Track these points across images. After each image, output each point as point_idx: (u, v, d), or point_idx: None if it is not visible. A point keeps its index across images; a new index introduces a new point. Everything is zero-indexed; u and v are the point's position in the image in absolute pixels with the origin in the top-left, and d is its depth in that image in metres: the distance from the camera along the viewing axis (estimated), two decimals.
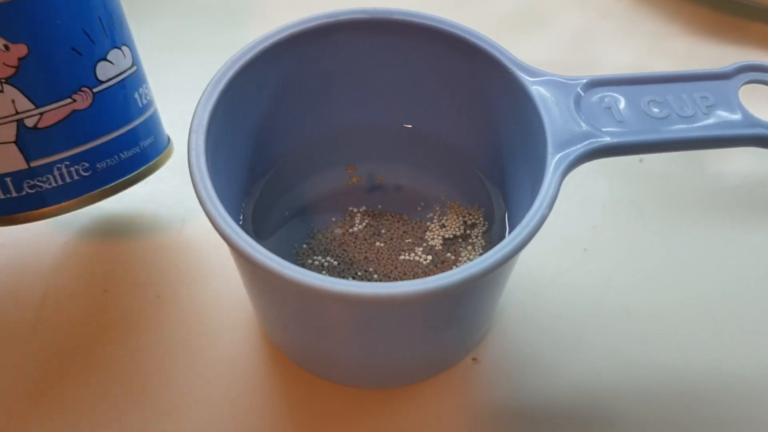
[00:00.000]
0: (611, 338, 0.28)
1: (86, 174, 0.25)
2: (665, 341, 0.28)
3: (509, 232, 0.25)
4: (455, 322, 0.23)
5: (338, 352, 0.25)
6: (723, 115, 0.23)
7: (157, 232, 0.30)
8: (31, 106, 0.23)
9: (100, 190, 0.25)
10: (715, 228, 0.31)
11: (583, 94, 0.23)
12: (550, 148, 0.21)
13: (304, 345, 0.25)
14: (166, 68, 0.36)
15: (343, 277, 0.25)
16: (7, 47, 0.22)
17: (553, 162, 0.21)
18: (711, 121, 0.23)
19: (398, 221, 0.26)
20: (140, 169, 0.26)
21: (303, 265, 0.25)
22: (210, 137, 0.21)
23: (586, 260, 0.30)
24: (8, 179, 0.24)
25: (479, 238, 0.26)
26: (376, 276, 0.25)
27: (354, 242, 0.26)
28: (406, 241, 0.26)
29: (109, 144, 0.25)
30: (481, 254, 0.25)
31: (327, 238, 0.26)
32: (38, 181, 0.24)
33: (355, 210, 0.27)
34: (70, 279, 0.29)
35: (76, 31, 0.23)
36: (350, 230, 0.26)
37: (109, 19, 0.24)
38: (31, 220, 0.25)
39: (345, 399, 0.26)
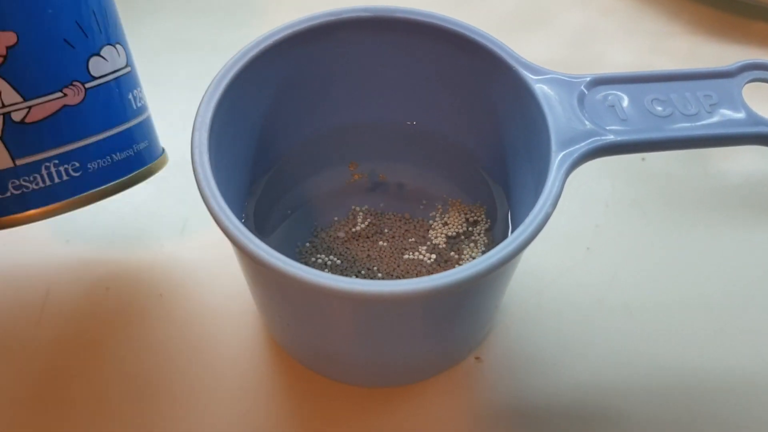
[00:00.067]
0: (614, 337, 0.28)
1: (76, 174, 0.23)
2: (668, 340, 0.28)
3: (512, 231, 0.25)
4: (458, 321, 0.23)
5: (341, 351, 0.25)
6: (726, 113, 0.23)
7: (160, 231, 0.30)
8: (18, 98, 0.21)
9: (90, 192, 0.23)
10: (718, 227, 0.31)
11: (586, 92, 0.23)
12: (553, 146, 0.21)
13: (307, 343, 0.25)
14: (166, 68, 0.36)
15: (347, 276, 0.25)
16: None
17: (557, 160, 0.21)
18: (714, 119, 0.23)
19: (400, 220, 0.26)
20: (133, 173, 0.24)
21: (306, 264, 0.25)
22: (213, 135, 0.21)
23: (588, 259, 0.30)
24: None
25: (482, 235, 0.26)
26: (380, 275, 0.25)
27: (357, 241, 0.26)
28: (410, 240, 0.26)
29: (102, 143, 0.23)
30: (483, 251, 0.25)
31: (330, 236, 0.26)
32: (24, 181, 0.22)
33: (358, 208, 0.27)
34: (72, 277, 0.29)
35: (68, 23, 0.22)
36: (353, 229, 0.26)
37: (103, 15, 0.24)
38: (15, 225, 0.23)
39: (348, 398, 0.26)
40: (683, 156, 0.33)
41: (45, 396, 0.26)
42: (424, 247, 0.25)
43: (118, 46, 0.24)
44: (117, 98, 0.24)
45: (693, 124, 0.23)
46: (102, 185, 0.24)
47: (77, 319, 0.28)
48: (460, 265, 0.25)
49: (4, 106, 0.21)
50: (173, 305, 0.28)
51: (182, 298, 0.28)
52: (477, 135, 0.27)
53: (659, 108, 0.23)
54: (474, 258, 0.25)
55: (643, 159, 0.33)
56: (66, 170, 0.23)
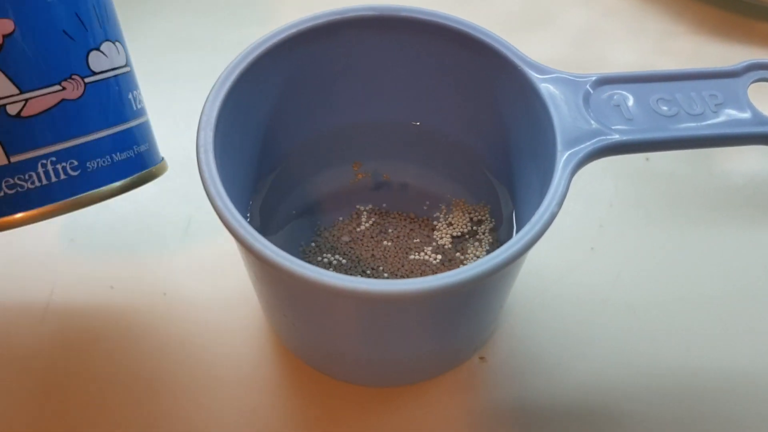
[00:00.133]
0: (618, 337, 0.28)
1: (75, 174, 0.22)
2: (672, 340, 0.28)
3: (517, 230, 0.25)
4: (463, 321, 0.23)
5: (346, 350, 0.24)
6: (732, 113, 0.23)
7: (164, 230, 0.30)
8: (14, 90, 0.20)
9: (89, 193, 0.22)
10: (722, 227, 0.31)
11: (592, 92, 0.23)
12: (559, 146, 0.21)
13: (312, 343, 0.25)
14: (169, 67, 0.36)
15: (353, 276, 0.25)
16: None
17: (563, 159, 0.21)
18: (720, 119, 0.23)
19: (405, 219, 0.26)
20: (134, 175, 0.24)
21: (310, 263, 0.25)
22: (218, 134, 0.21)
23: (593, 259, 0.30)
24: None
25: (486, 234, 0.26)
26: (386, 275, 0.25)
27: (361, 240, 0.26)
28: (414, 240, 0.26)
29: (102, 142, 0.22)
30: (487, 251, 0.25)
31: (334, 236, 0.26)
32: (19, 179, 0.21)
33: (362, 208, 0.27)
34: (77, 276, 0.29)
35: (68, 14, 0.21)
36: (357, 229, 0.26)
37: (102, 11, 0.23)
38: (10, 227, 0.21)
39: (352, 397, 0.26)
40: (687, 156, 0.33)
41: (49, 394, 0.26)
42: (430, 248, 0.25)
43: (117, 44, 0.24)
44: (117, 96, 0.23)
45: (698, 124, 0.23)
46: (102, 186, 0.22)
47: (81, 318, 0.28)
48: (464, 264, 0.25)
49: None
50: (177, 304, 0.28)
51: (186, 297, 0.28)
52: (481, 134, 0.27)
53: (664, 108, 0.23)
54: (478, 257, 0.25)
55: (647, 159, 0.33)
56: (64, 169, 0.22)
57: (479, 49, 0.24)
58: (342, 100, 0.27)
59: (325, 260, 0.25)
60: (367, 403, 0.26)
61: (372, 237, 0.26)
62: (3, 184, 0.21)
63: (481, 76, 0.25)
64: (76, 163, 0.22)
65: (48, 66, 0.21)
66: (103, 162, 0.22)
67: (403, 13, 0.24)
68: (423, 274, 0.25)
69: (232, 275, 0.29)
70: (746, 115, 0.23)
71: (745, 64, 0.24)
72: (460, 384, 0.26)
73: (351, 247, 0.26)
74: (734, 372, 0.27)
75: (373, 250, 0.26)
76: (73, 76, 0.21)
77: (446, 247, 0.26)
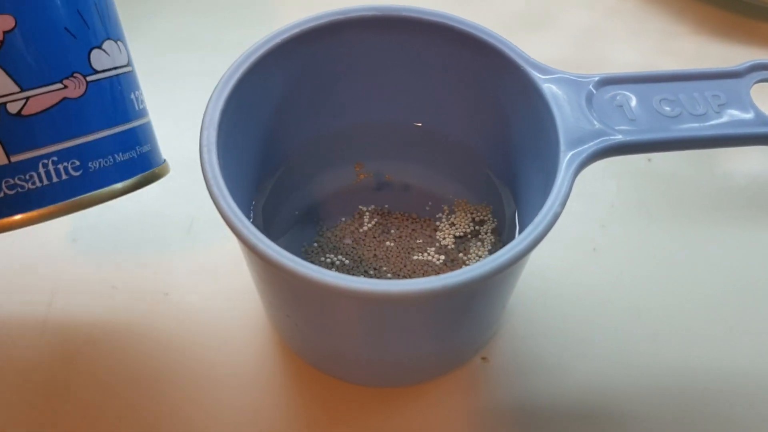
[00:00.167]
0: (620, 338, 0.28)
1: (76, 174, 0.21)
2: (674, 341, 0.28)
3: (520, 231, 0.25)
4: (466, 321, 0.23)
5: (349, 351, 0.24)
6: (735, 113, 0.23)
7: (166, 231, 0.30)
8: (15, 88, 0.20)
9: (91, 194, 0.22)
10: (724, 227, 0.31)
11: (595, 92, 0.23)
12: (562, 146, 0.21)
13: (314, 343, 0.25)
14: (170, 67, 0.36)
15: (356, 276, 0.25)
16: None
17: (566, 160, 0.21)
18: (723, 119, 0.23)
19: (407, 220, 0.26)
20: (136, 176, 0.23)
21: (314, 264, 0.25)
22: (221, 134, 0.21)
23: (595, 260, 0.30)
24: None
25: (488, 234, 0.26)
26: (390, 275, 0.25)
27: (364, 241, 0.26)
28: (417, 241, 0.26)
29: (104, 141, 0.22)
30: (490, 250, 0.25)
31: (336, 236, 0.26)
32: (19, 180, 0.20)
33: (364, 209, 0.27)
34: (79, 276, 0.29)
35: (70, 10, 0.21)
36: (360, 229, 0.26)
37: (104, 9, 0.23)
38: (10, 229, 0.21)
39: (354, 398, 0.26)
40: (689, 156, 0.33)
41: (51, 394, 0.26)
42: (433, 248, 0.25)
43: (119, 42, 0.23)
44: (119, 95, 0.23)
45: (701, 125, 0.23)
46: (103, 187, 0.22)
47: (83, 318, 0.28)
48: (467, 264, 0.25)
49: None
50: (179, 304, 0.28)
51: (188, 297, 0.28)
52: (483, 135, 0.27)
53: (667, 108, 0.23)
54: (480, 257, 0.25)
55: (649, 159, 0.33)
56: (65, 169, 0.21)
57: (482, 49, 0.24)
58: (344, 100, 0.27)
59: (328, 260, 0.25)
60: (370, 403, 0.26)
61: (374, 237, 0.26)
62: (3, 185, 0.20)
63: (484, 76, 0.25)
64: (77, 163, 0.21)
65: (49, 64, 0.20)
66: (105, 162, 0.22)
67: (405, 13, 0.24)
68: (426, 274, 0.25)
69: (234, 276, 0.29)
70: (749, 115, 0.23)
71: (747, 64, 0.24)
72: (462, 384, 0.26)
73: (353, 248, 0.26)
74: (736, 372, 0.27)
75: (375, 250, 0.26)
76: (75, 75, 0.21)
77: (449, 247, 0.26)
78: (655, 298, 0.29)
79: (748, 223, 0.31)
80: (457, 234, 0.26)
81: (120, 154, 0.23)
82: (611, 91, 0.23)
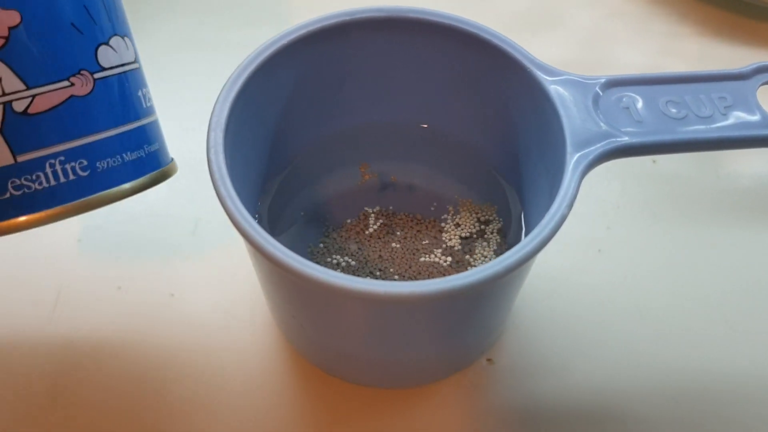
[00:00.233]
0: (625, 339, 0.28)
1: (84, 174, 0.21)
2: (679, 342, 0.28)
3: (526, 232, 0.25)
4: (472, 323, 0.23)
5: (355, 352, 0.24)
6: (741, 115, 0.23)
7: (171, 231, 0.30)
8: (21, 86, 0.19)
9: (99, 194, 0.21)
10: (729, 229, 0.31)
11: (601, 94, 0.23)
12: (569, 148, 0.21)
13: (320, 344, 0.25)
14: (175, 67, 0.36)
15: (362, 277, 0.25)
16: None
17: (572, 162, 0.21)
18: (729, 121, 0.23)
19: (412, 221, 0.26)
20: (145, 176, 0.23)
21: (320, 265, 0.25)
22: (228, 135, 0.21)
23: (600, 261, 0.30)
24: None
25: (494, 234, 0.26)
26: (396, 277, 0.25)
27: (369, 242, 0.26)
28: (423, 242, 0.26)
29: (112, 140, 0.21)
30: (495, 250, 0.25)
31: (342, 237, 0.26)
32: (26, 180, 0.20)
33: (369, 210, 0.27)
34: (84, 276, 0.29)
35: (76, 6, 0.20)
36: (366, 230, 0.26)
37: (111, 4, 0.22)
38: (16, 230, 0.20)
39: (360, 399, 0.26)
40: (694, 158, 0.33)
41: (56, 395, 0.26)
42: (440, 250, 0.25)
43: (126, 39, 0.23)
44: (127, 93, 0.22)
45: (707, 127, 0.23)
46: (112, 187, 0.21)
47: (88, 318, 0.28)
48: (472, 265, 0.25)
49: (4, 93, 0.19)
50: (185, 305, 0.28)
51: (193, 298, 0.28)
52: (489, 136, 0.27)
53: (673, 110, 0.23)
54: (486, 257, 0.25)
55: (654, 161, 0.33)
56: (73, 168, 0.20)
57: (488, 50, 0.24)
58: (350, 101, 0.27)
59: (334, 261, 0.25)
60: (375, 404, 0.26)
61: (380, 238, 0.26)
62: (9, 185, 0.20)
63: (490, 77, 0.25)
64: (85, 162, 0.21)
65: (56, 61, 0.20)
66: (114, 162, 0.21)
67: (412, 15, 0.24)
68: (432, 275, 0.25)
69: (239, 276, 0.29)
70: (755, 117, 0.23)
71: (753, 66, 0.24)
72: (467, 386, 0.26)
73: (359, 249, 0.26)
74: (741, 373, 0.27)
75: (381, 251, 0.26)
76: (82, 72, 0.21)
77: (455, 248, 0.26)
78: (660, 299, 0.29)
79: (752, 224, 0.31)
80: (463, 234, 0.26)
81: (128, 153, 0.22)
82: (617, 93, 0.23)
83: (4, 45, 0.19)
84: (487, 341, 0.26)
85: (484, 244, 0.26)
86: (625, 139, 0.22)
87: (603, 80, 0.23)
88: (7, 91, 0.19)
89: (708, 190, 0.32)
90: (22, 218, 0.20)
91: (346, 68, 0.25)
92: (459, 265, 0.25)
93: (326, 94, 0.26)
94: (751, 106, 0.24)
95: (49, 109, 0.20)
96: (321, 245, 0.26)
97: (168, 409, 0.26)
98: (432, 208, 0.27)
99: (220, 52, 0.37)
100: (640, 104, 0.23)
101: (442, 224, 0.26)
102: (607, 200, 0.32)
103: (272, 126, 0.25)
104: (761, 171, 0.33)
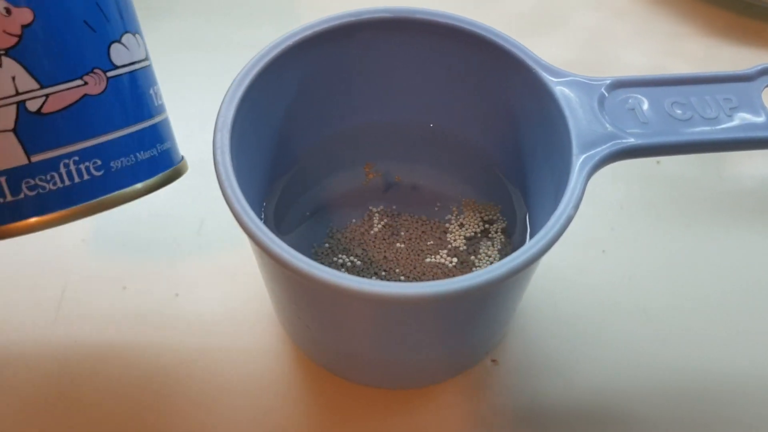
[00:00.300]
0: (630, 339, 0.28)
1: (98, 174, 0.20)
2: (683, 343, 0.28)
3: (531, 233, 0.25)
4: (477, 324, 0.23)
5: (360, 352, 0.25)
6: (746, 117, 0.23)
7: (176, 231, 0.30)
8: (35, 85, 0.19)
9: (113, 195, 0.21)
10: (733, 230, 0.31)
11: (607, 95, 0.23)
12: (575, 149, 0.21)
13: (325, 345, 0.25)
14: (179, 67, 0.36)
15: (368, 278, 0.25)
16: (8, 11, 0.18)
17: (578, 163, 0.21)
18: (734, 123, 0.23)
19: (416, 221, 0.26)
20: (159, 175, 0.22)
21: (325, 265, 0.25)
22: (234, 135, 0.21)
23: (604, 261, 0.30)
24: (2, 178, 0.19)
25: (498, 233, 0.26)
26: (402, 278, 0.25)
27: (373, 242, 0.26)
28: (428, 243, 0.26)
29: (126, 139, 0.21)
30: (499, 250, 0.25)
31: (346, 237, 0.26)
32: (40, 180, 0.20)
33: (374, 210, 0.27)
34: (89, 276, 0.29)
35: (88, 3, 0.20)
36: (370, 231, 0.26)
37: (122, 1, 0.22)
38: (30, 231, 0.20)
39: (364, 399, 0.26)
40: (697, 159, 0.33)
41: (60, 394, 0.26)
42: (445, 251, 0.25)
43: (137, 36, 0.22)
44: (139, 91, 0.22)
45: (713, 128, 0.23)
46: (126, 187, 0.21)
47: (93, 318, 0.28)
48: (476, 265, 0.25)
49: (18, 93, 0.19)
50: (189, 305, 0.28)
51: (198, 298, 0.28)
52: (493, 136, 0.27)
53: (679, 111, 0.23)
54: (490, 256, 0.25)
55: (657, 162, 0.33)
56: (87, 168, 0.20)
57: (493, 51, 0.24)
58: (355, 101, 0.27)
59: (339, 261, 0.25)
60: (379, 404, 0.26)
61: (384, 239, 0.26)
62: (23, 186, 0.19)
63: (495, 78, 0.25)
64: (99, 162, 0.20)
65: (69, 59, 0.20)
66: (127, 161, 0.21)
67: (418, 15, 0.24)
68: (437, 276, 0.25)
69: (244, 276, 0.29)
70: (761, 119, 0.23)
71: (759, 68, 0.24)
72: (471, 386, 0.26)
73: (363, 249, 0.26)
74: (745, 374, 0.27)
75: (385, 252, 0.26)
76: (95, 70, 0.20)
77: (460, 249, 0.26)
78: (664, 299, 0.29)
79: (756, 225, 0.31)
80: (467, 234, 0.26)
81: (142, 152, 0.22)
82: (623, 94, 0.23)
83: (17, 44, 0.19)
84: (491, 342, 0.26)
85: (488, 243, 0.26)
86: (631, 141, 0.22)
87: (608, 81, 0.23)
88: (20, 90, 0.19)
89: (711, 191, 0.32)
90: (36, 219, 0.20)
91: (352, 68, 0.25)
92: (463, 266, 0.25)
93: (331, 94, 0.26)
94: (757, 107, 0.24)
95: (63, 109, 0.20)
96: (326, 245, 0.26)
97: (172, 408, 0.26)
98: (436, 208, 0.27)
99: (222, 52, 0.37)
100: (645, 105, 0.23)
101: (447, 225, 0.26)
102: (611, 201, 0.32)
103: (277, 126, 0.25)
104: (765, 172, 0.33)
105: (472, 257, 0.25)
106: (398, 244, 0.26)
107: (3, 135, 0.19)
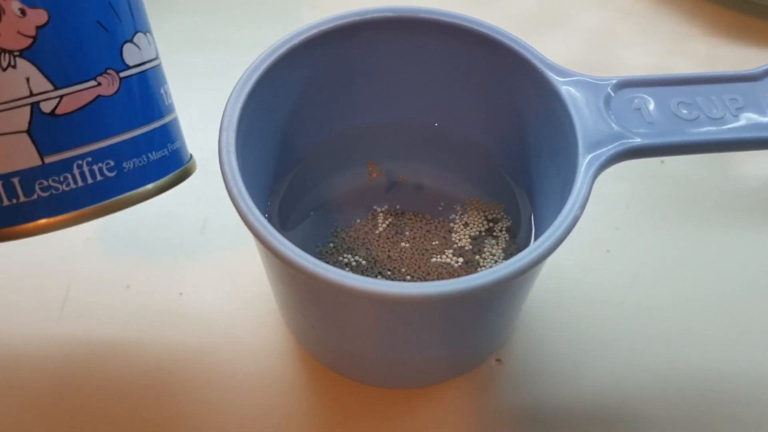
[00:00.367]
0: (634, 339, 0.28)
1: (111, 174, 0.20)
2: (688, 342, 0.28)
3: (536, 233, 0.25)
4: (482, 324, 0.23)
5: (365, 352, 0.24)
6: (752, 117, 0.23)
7: (180, 230, 0.30)
8: (49, 86, 0.19)
9: (125, 195, 0.21)
10: (737, 230, 0.31)
11: (613, 95, 0.23)
12: (581, 149, 0.21)
13: (330, 344, 0.25)
14: (182, 66, 0.36)
15: (373, 277, 0.25)
16: (23, 12, 0.18)
17: (585, 162, 0.21)
18: (740, 123, 0.23)
19: (421, 221, 0.26)
20: (170, 174, 0.22)
21: (330, 264, 0.25)
22: (239, 135, 0.21)
23: (609, 261, 0.30)
24: (16, 179, 0.19)
25: (503, 232, 0.26)
26: (408, 277, 0.25)
27: (378, 242, 0.26)
28: (433, 242, 0.26)
29: (138, 140, 0.21)
30: (504, 249, 0.25)
31: (351, 237, 0.26)
32: (54, 181, 0.20)
33: (378, 209, 0.27)
34: (93, 275, 0.29)
35: (101, 3, 0.20)
36: (375, 230, 0.26)
37: (134, 0, 0.22)
38: (43, 232, 0.20)
39: (368, 399, 0.26)
40: (702, 159, 0.33)
41: (63, 394, 0.26)
42: (451, 251, 0.25)
43: (148, 35, 0.22)
44: (150, 91, 0.22)
45: (719, 128, 0.23)
46: (138, 187, 0.21)
47: (97, 317, 0.28)
48: (481, 264, 0.25)
49: (32, 94, 0.19)
50: (193, 304, 0.28)
51: (202, 297, 0.28)
52: (498, 136, 0.27)
53: (685, 111, 0.23)
54: (495, 255, 0.25)
55: (662, 162, 0.33)
56: (100, 169, 0.20)
57: (499, 50, 0.24)
58: (360, 100, 0.27)
59: (344, 261, 0.25)
60: (384, 404, 0.26)
61: (389, 239, 0.26)
62: (37, 187, 0.19)
63: (500, 77, 0.25)
64: (112, 163, 0.20)
65: (83, 60, 0.20)
66: (140, 162, 0.21)
67: (422, 15, 0.24)
68: (443, 276, 0.25)
69: (248, 276, 0.29)
70: (767, 119, 0.23)
71: (764, 68, 0.24)
72: (476, 386, 0.26)
73: (368, 249, 0.26)
74: (750, 374, 0.27)
75: (389, 251, 0.26)
76: (108, 71, 0.20)
77: (466, 248, 0.26)
78: (669, 299, 0.29)
79: (761, 225, 0.31)
80: (472, 234, 0.26)
81: (153, 152, 0.22)
82: (629, 94, 0.23)
83: (31, 45, 0.18)
84: (496, 342, 0.26)
85: (493, 242, 0.26)
86: (637, 141, 0.22)
87: (614, 81, 0.23)
88: (35, 91, 0.19)
89: (716, 191, 0.32)
90: (48, 220, 0.20)
91: (356, 68, 0.25)
92: (468, 266, 0.25)
93: (336, 93, 0.26)
94: (763, 107, 0.24)
95: (77, 110, 0.20)
96: (330, 245, 0.26)
97: (176, 407, 0.26)
98: (439, 208, 0.27)
99: (223, 51, 0.37)
100: (651, 105, 0.23)
101: (451, 224, 0.26)
102: (616, 201, 0.32)
103: (282, 125, 0.25)
104: None
105: (477, 257, 0.25)
106: (403, 244, 0.26)
107: (17, 136, 0.19)
